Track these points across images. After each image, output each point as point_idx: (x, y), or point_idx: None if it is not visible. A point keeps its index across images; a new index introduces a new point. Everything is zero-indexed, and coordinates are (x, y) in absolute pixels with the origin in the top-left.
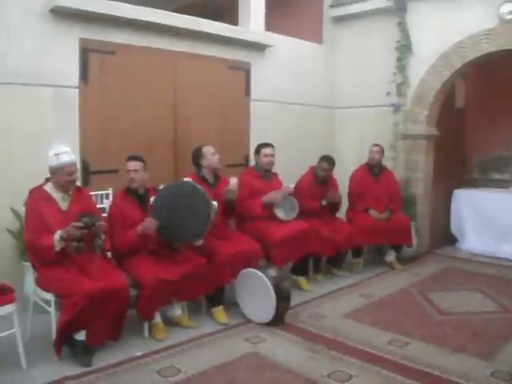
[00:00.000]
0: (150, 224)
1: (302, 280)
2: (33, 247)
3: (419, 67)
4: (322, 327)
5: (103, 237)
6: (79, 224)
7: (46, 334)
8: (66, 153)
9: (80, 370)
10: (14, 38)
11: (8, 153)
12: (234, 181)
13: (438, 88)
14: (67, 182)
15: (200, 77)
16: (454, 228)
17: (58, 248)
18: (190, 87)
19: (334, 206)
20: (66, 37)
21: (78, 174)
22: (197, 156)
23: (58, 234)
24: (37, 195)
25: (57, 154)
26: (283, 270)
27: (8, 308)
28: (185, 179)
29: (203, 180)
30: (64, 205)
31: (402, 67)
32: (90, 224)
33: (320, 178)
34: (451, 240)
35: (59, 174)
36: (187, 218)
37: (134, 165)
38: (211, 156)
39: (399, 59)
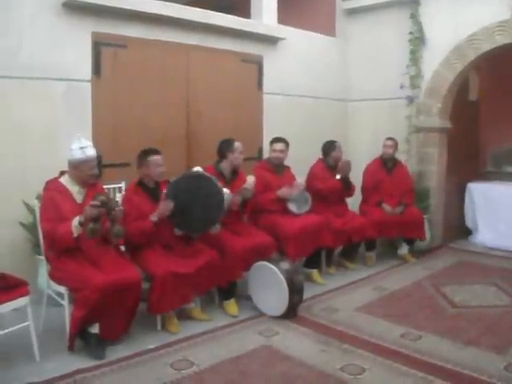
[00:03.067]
0: (165, 206)
1: (314, 273)
2: (51, 236)
3: (432, 59)
4: (334, 320)
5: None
6: (96, 202)
7: (59, 326)
8: (91, 146)
9: (93, 362)
10: (26, 32)
11: (21, 146)
12: (251, 179)
13: (452, 80)
14: (90, 175)
15: (212, 70)
16: (468, 221)
17: (75, 234)
18: (203, 80)
19: (347, 183)
20: (79, 30)
21: None
22: (226, 147)
23: (76, 220)
24: (53, 187)
25: (82, 148)
26: (296, 263)
27: (22, 301)
28: (194, 169)
29: (220, 174)
30: (79, 198)
31: (415, 60)
32: (107, 202)
33: (333, 162)
34: (464, 233)
35: (83, 167)
36: (201, 207)
37: (159, 159)
38: (238, 154)
39: (412, 51)
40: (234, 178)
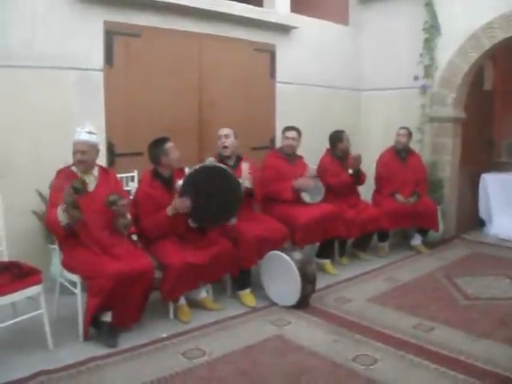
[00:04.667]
0: (183, 203)
1: (327, 264)
2: (47, 223)
3: (447, 49)
4: (347, 311)
5: (129, 216)
6: (67, 190)
7: (72, 315)
8: (84, 132)
9: (105, 350)
10: (39, 21)
11: (34, 136)
12: (245, 167)
13: (466, 70)
14: (76, 160)
15: (225, 59)
16: (482, 213)
17: (60, 219)
18: (215, 69)
19: (358, 175)
20: (91, 19)
21: (103, 157)
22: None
23: (60, 208)
24: (63, 175)
25: (78, 131)
26: (308, 253)
27: (35, 289)
28: (208, 159)
29: (223, 162)
30: (90, 186)
31: (430, 48)
32: (81, 189)
33: (340, 153)
34: (478, 225)
35: (73, 150)
36: (219, 201)
37: (173, 145)
38: (224, 139)
39: (427, 40)
40: (237, 164)
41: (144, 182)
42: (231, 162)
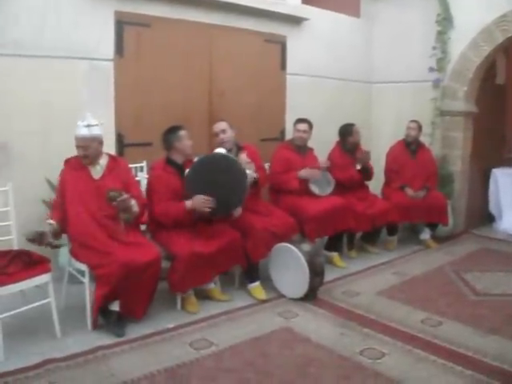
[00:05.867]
0: (204, 203)
1: (335, 256)
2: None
3: (459, 41)
4: (355, 304)
5: (135, 208)
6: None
7: (80, 304)
8: (83, 126)
9: (113, 339)
10: (49, 10)
11: (44, 125)
12: (243, 158)
13: (478, 63)
14: (79, 155)
15: (235, 50)
16: (492, 208)
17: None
18: (226, 60)
19: (367, 172)
20: (101, 9)
21: (113, 147)
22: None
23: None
24: (70, 165)
25: (79, 125)
26: (317, 245)
27: (43, 278)
28: (216, 150)
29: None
30: (96, 174)
31: (442, 41)
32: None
33: (350, 146)
34: (488, 220)
35: (76, 145)
36: (225, 189)
37: (187, 133)
38: (217, 137)
39: (440, 33)
40: (238, 153)
41: (157, 168)
42: (232, 154)
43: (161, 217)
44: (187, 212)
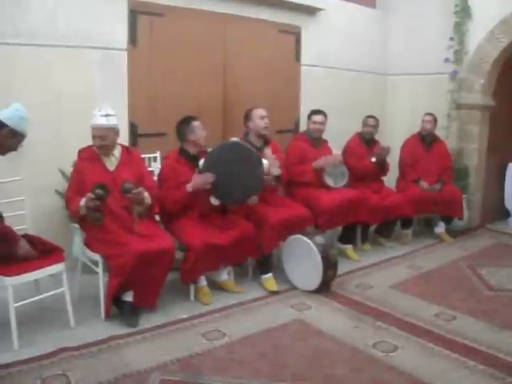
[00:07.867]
0: (204, 179)
1: (349, 249)
2: (67, 206)
3: (476, 33)
4: (368, 297)
5: (148, 201)
6: (90, 195)
7: (93, 294)
8: (100, 115)
9: (126, 329)
10: (63, 0)
11: (57, 115)
12: (268, 154)
13: (496, 56)
14: (96, 145)
15: (249, 40)
16: (507, 203)
17: (82, 213)
18: (240, 51)
19: (382, 166)
20: None
21: (126, 137)
22: (245, 117)
23: (83, 200)
24: (84, 155)
25: (95, 115)
26: (330, 238)
27: (57, 267)
28: (232, 139)
29: (250, 144)
30: (111, 165)
31: (460, 33)
32: (104, 196)
33: (366, 136)
34: (503, 215)
35: (92, 134)
36: (240, 177)
37: (200, 123)
38: (259, 120)
39: (457, 24)
40: (264, 146)
41: (170, 158)
42: (258, 144)
43: (171, 205)
44: (190, 194)
